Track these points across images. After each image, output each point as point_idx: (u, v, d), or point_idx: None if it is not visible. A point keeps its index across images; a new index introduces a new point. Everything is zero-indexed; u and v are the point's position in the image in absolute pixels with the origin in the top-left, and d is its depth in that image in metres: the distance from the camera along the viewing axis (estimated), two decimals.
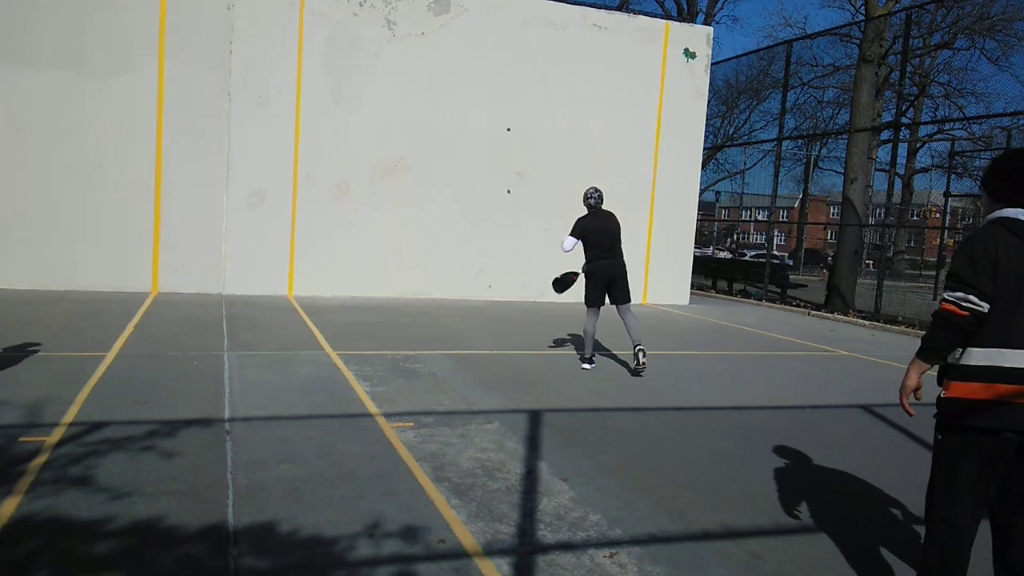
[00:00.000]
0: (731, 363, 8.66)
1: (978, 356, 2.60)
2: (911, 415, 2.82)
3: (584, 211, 7.67)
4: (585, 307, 7.59)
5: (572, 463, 4.58)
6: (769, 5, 62.38)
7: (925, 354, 2.71)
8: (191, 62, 11.45)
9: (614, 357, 8.29)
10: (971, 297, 2.56)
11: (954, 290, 2.61)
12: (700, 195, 17.73)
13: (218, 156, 11.69)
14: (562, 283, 7.81)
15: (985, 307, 2.55)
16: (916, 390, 2.75)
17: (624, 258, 7.56)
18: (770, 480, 4.53)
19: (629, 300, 7.55)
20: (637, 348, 7.30)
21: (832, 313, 14.51)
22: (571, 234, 7.53)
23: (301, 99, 12.00)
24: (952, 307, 2.59)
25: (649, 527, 3.69)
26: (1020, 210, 2.61)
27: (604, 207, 7.67)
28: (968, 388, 2.61)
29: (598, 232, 7.41)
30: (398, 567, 3.12)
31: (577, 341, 8.75)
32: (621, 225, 7.62)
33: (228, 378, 6.20)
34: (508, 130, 13.12)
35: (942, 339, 2.65)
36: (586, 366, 7.51)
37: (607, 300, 7.54)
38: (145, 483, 3.82)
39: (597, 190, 7.66)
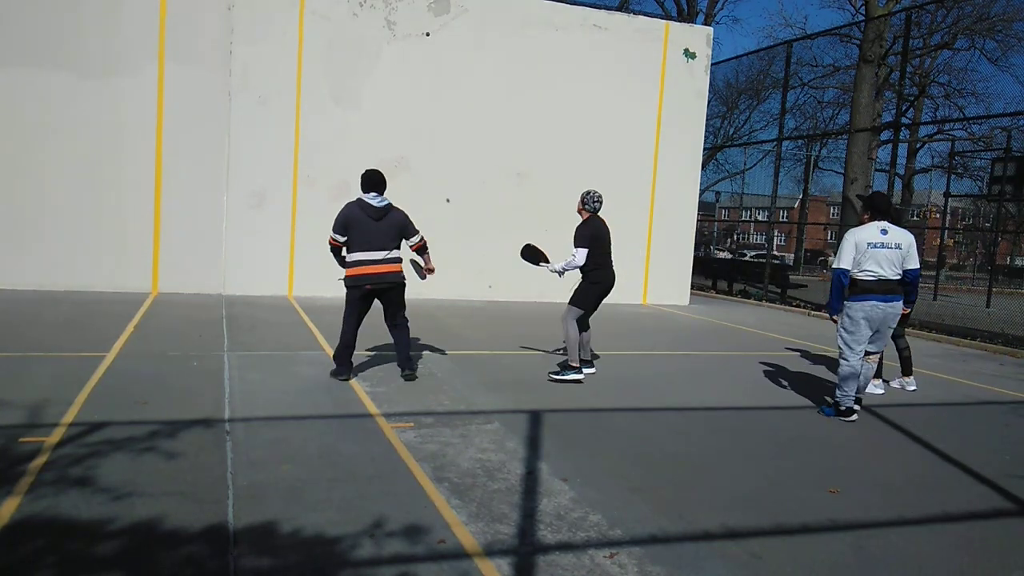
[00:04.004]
0: (731, 363, 8.66)
1: None
2: None
3: (576, 216, 7.15)
4: (573, 310, 6.96)
5: (572, 463, 4.59)
6: (769, 5, 62.45)
7: None
8: (191, 62, 11.45)
9: (613, 357, 8.29)
10: None
11: None
12: (700, 195, 17.72)
13: (218, 156, 11.69)
14: (532, 255, 7.30)
15: None
16: None
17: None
18: (770, 480, 4.53)
19: None
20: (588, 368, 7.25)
21: None
22: (580, 244, 6.86)
23: (301, 99, 11.99)
24: None
25: (649, 527, 3.70)
26: None
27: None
28: None
29: (603, 240, 6.97)
30: (399, 567, 3.12)
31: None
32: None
33: (228, 378, 6.20)
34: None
35: None
36: (588, 370, 7.14)
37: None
38: (145, 484, 3.82)
39: (600, 194, 7.21)
